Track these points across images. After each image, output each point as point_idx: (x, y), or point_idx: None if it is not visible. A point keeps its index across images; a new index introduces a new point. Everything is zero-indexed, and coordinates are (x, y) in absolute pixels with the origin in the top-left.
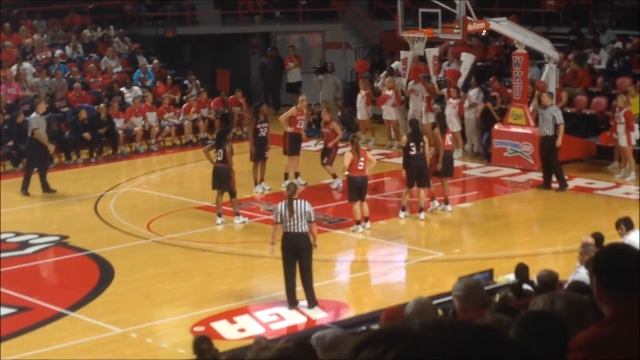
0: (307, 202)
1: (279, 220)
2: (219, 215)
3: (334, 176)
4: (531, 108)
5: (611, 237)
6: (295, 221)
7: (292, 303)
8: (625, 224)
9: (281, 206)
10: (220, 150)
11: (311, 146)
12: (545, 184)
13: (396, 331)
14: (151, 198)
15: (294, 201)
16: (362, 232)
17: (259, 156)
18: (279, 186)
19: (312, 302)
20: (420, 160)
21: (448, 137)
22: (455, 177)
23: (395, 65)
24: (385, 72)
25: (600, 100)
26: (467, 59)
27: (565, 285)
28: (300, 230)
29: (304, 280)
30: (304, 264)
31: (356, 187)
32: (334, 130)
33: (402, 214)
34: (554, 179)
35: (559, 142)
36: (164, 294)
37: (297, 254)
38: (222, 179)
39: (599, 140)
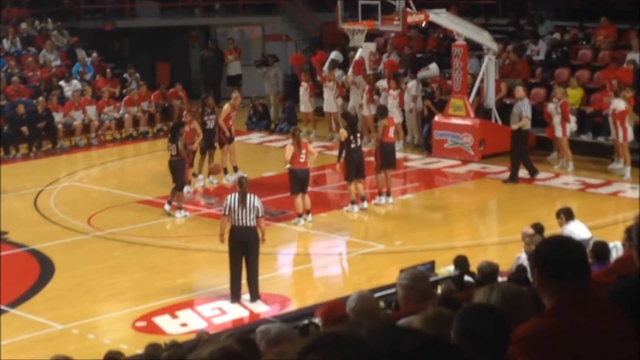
0: (256, 197)
1: (227, 213)
2: (179, 208)
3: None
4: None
5: (551, 227)
6: (245, 215)
7: (236, 297)
8: (565, 214)
9: (231, 199)
10: (174, 145)
11: (253, 139)
12: (512, 177)
13: (342, 337)
14: (91, 192)
15: (246, 194)
16: (303, 225)
17: (207, 147)
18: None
19: (255, 296)
20: (360, 152)
21: (391, 129)
22: (396, 169)
23: (334, 55)
24: (327, 64)
25: (539, 91)
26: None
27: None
28: (248, 224)
29: (249, 274)
30: (251, 258)
31: (298, 180)
32: (194, 130)
33: (355, 208)
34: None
35: (513, 127)
36: (106, 289)
37: (244, 248)
38: (177, 172)
39: (546, 133)
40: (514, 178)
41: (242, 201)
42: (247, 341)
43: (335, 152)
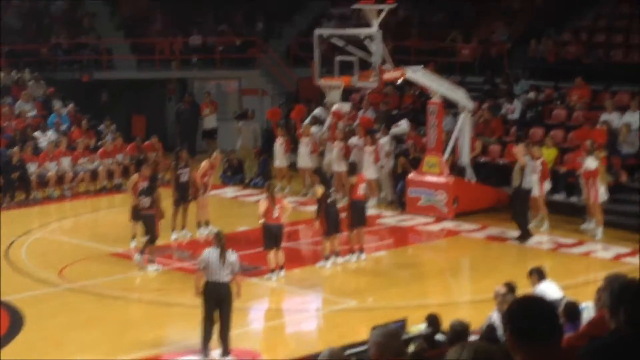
0: (234, 253)
1: (202, 268)
2: (151, 261)
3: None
4: (445, 155)
5: (524, 286)
6: (221, 271)
7: (207, 352)
8: (537, 274)
9: (208, 254)
10: (148, 198)
11: (227, 192)
12: (524, 236)
13: None
14: (64, 244)
15: (225, 250)
16: (276, 280)
17: (180, 201)
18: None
19: (226, 352)
20: (335, 207)
21: (361, 186)
22: (369, 226)
23: (318, 111)
24: (308, 120)
25: None
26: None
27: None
28: (224, 280)
29: (222, 329)
30: (224, 313)
31: (272, 235)
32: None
33: (328, 263)
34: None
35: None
36: (76, 343)
37: (219, 304)
38: (150, 225)
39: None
40: (525, 237)
41: (222, 256)
42: None
43: (310, 208)
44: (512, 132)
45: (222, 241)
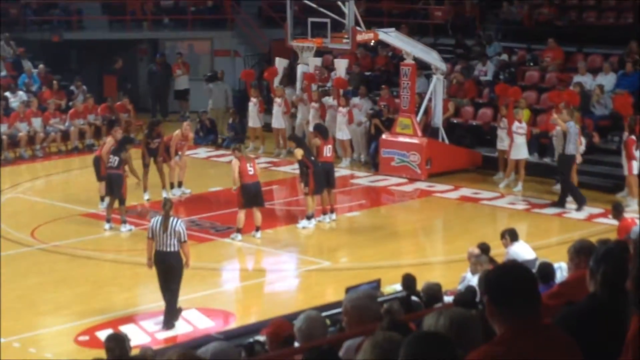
0: (180, 221)
1: (151, 236)
2: (108, 220)
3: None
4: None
5: (497, 246)
6: (167, 239)
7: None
8: (510, 235)
9: (154, 222)
10: (117, 157)
11: (200, 153)
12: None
13: None
14: (36, 205)
15: (170, 218)
16: (241, 241)
17: (149, 165)
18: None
19: (171, 324)
20: (319, 166)
21: (327, 148)
22: (343, 186)
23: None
24: (279, 80)
25: (487, 111)
26: (341, 65)
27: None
28: (170, 250)
29: (168, 298)
30: (172, 283)
31: (251, 193)
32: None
33: (311, 223)
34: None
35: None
36: (48, 303)
37: (166, 273)
38: (114, 186)
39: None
40: (580, 202)
41: (164, 225)
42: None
43: (282, 168)
44: (484, 94)
45: (167, 209)
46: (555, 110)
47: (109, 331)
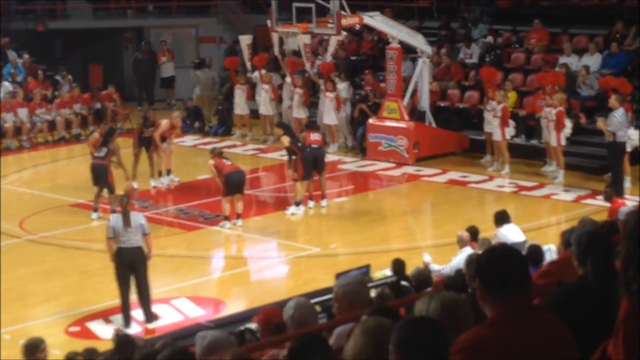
0: (142, 215)
1: (112, 236)
2: (95, 210)
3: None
4: (406, 102)
5: (486, 229)
6: (131, 235)
7: (129, 322)
8: (500, 218)
9: (114, 220)
10: (104, 148)
11: (187, 141)
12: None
13: None
14: (23, 195)
15: (129, 213)
16: (230, 228)
17: (140, 153)
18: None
19: (150, 317)
20: (306, 152)
21: (313, 135)
22: (331, 172)
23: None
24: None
25: (473, 94)
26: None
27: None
28: (134, 245)
29: (141, 295)
30: (140, 278)
31: (233, 183)
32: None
33: (299, 209)
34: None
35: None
36: (38, 294)
37: (133, 269)
38: (100, 176)
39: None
40: (619, 192)
41: (126, 222)
42: (183, 352)
43: (269, 155)
44: (470, 76)
45: (124, 205)
46: (542, 93)
47: (99, 322)
